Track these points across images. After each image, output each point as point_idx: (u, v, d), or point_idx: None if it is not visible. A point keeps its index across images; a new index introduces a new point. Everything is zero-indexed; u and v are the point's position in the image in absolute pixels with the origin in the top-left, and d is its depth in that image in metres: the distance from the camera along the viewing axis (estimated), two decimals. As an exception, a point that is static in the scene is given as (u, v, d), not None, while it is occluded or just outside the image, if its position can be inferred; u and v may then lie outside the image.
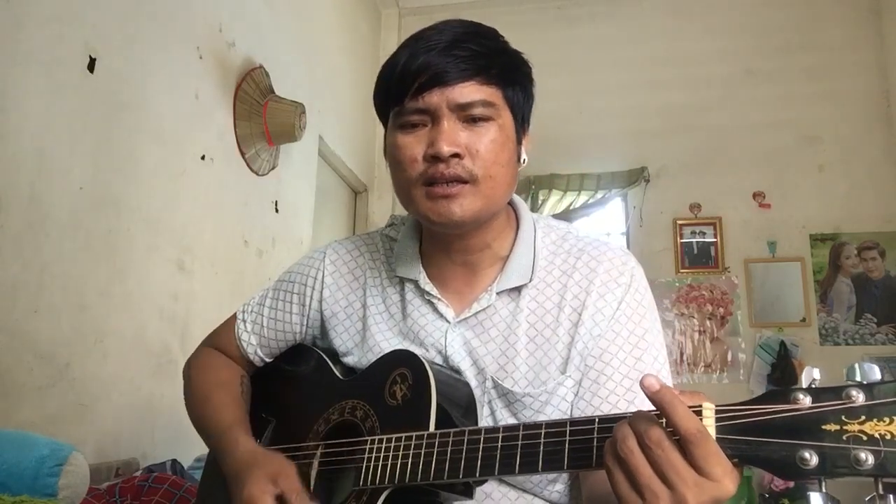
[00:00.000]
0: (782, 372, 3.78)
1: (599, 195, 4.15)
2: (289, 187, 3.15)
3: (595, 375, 0.87)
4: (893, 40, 3.99)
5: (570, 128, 4.22)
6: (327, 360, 1.02)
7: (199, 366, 1.12)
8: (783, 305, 3.93)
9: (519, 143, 0.91)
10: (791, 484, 3.50)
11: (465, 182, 0.85)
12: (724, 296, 3.99)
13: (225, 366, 1.10)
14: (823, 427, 0.54)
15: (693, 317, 3.99)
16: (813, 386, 0.57)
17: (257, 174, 2.84)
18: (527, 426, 0.71)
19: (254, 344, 1.09)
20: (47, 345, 1.73)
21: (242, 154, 2.72)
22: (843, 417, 0.54)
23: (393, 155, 0.89)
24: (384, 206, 4.26)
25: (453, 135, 0.84)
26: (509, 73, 0.88)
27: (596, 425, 0.66)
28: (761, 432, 0.57)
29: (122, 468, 1.87)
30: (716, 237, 4.05)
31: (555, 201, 4.18)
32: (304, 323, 1.06)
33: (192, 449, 2.10)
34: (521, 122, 0.92)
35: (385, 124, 0.93)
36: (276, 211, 3.05)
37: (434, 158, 0.84)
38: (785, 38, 4.13)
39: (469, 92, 0.84)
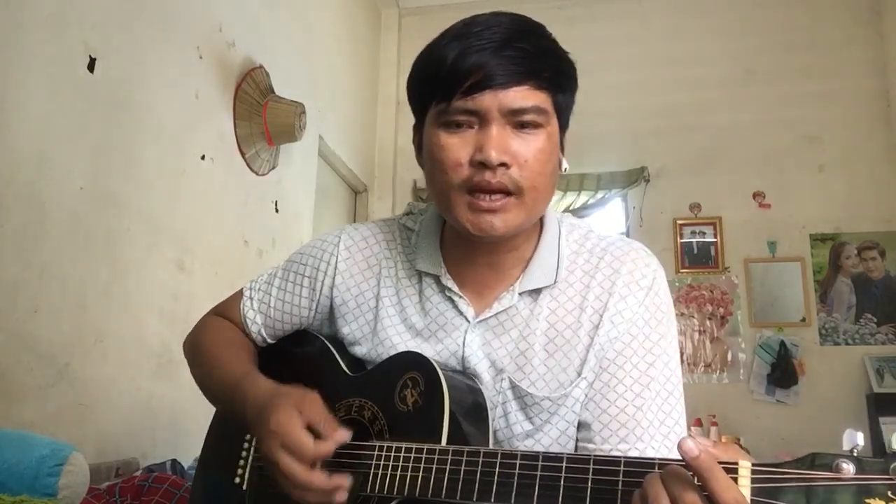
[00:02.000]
0: (782, 372, 3.78)
1: (599, 195, 4.15)
2: (289, 187, 3.15)
3: (607, 378, 0.86)
4: (893, 40, 3.98)
5: (570, 128, 4.22)
6: (334, 351, 1.00)
7: (208, 328, 1.09)
8: (783, 305, 3.93)
9: (562, 149, 0.89)
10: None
11: (509, 193, 0.82)
12: (724, 296, 3.99)
13: (234, 329, 1.08)
14: (867, 501, 0.51)
15: (693, 317, 3.99)
16: (856, 454, 0.54)
17: (257, 174, 2.84)
18: (546, 456, 0.69)
19: (258, 323, 1.06)
20: (47, 345, 1.73)
21: (242, 154, 2.72)
22: (889, 493, 0.51)
23: (434, 154, 0.85)
24: (384, 206, 4.26)
25: (503, 141, 0.80)
26: (560, 76, 0.85)
27: (622, 468, 0.64)
28: (799, 498, 0.54)
29: (122, 468, 1.87)
30: (716, 237, 4.05)
31: (555, 201, 4.17)
32: (314, 308, 1.03)
33: (192, 449, 2.09)
34: (565, 125, 0.90)
35: (418, 116, 0.90)
36: (276, 211, 3.04)
37: (481, 165, 0.80)
38: (785, 38, 4.13)
39: (522, 97, 0.80)
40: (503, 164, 0.80)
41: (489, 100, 0.80)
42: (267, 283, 1.08)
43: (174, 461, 1.88)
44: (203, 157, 2.46)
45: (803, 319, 3.89)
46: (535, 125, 0.82)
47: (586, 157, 4.22)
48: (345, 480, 0.78)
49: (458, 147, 0.82)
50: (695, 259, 4.06)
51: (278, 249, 3.02)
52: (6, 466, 1.21)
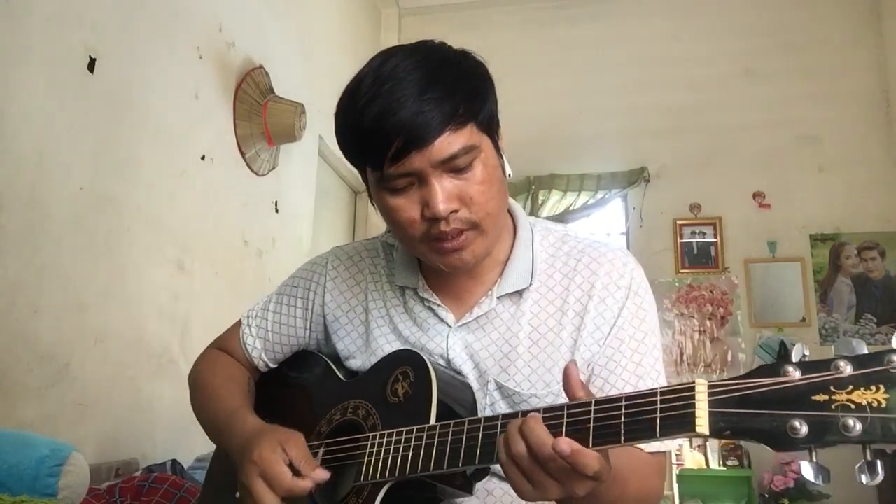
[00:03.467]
0: (782, 372, 3.78)
1: (599, 195, 4.15)
2: (289, 187, 3.15)
3: (601, 384, 0.89)
4: (893, 40, 3.99)
5: (570, 128, 4.22)
6: (330, 363, 1.03)
7: (206, 365, 1.12)
8: (783, 305, 3.93)
9: (501, 157, 0.90)
10: (791, 483, 3.50)
11: (466, 230, 0.85)
12: (724, 296, 3.99)
13: (231, 364, 1.11)
14: (813, 398, 0.56)
15: (693, 317, 3.99)
16: (803, 360, 0.58)
17: (257, 174, 2.84)
18: (525, 413, 0.72)
19: (259, 349, 1.10)
20: (47, 345, 1.73)
21: (242, 154, 2.72)
22: (831, 388, 0.55)
23: (387, 213, 0.88)
24: (384, 206, 4.26)
25: (445, 192, 0.83)
26: (474, 100, 0.85)
27: (593, 407, 0.67)
28: (752, 405, 0.58)
29: (122, 468, 1.87)
30: (716, 237, 4.05)
31: (555, 201, 4.18)
32: (309, 328, 1.07)
33: (192, 449, 2.10)
34: (496, 131, 0.90)
35: (358, 168, 0.91)
36: (276, 211, 3.04)
37: (433, 219, 0.84)
38: (785, 38, 4.14)
39: (448, 145, 0.81)
40: (453, 211, 0.83)
41: (418, 160, 0.81)
42: (263, 310, 1.11)
43: (174, 461, 1.88)
44: (203, 157, 2.46)
45: (803, 319, 3.89)
46: (469, 162, 0.84)
47: (586, 157, 4.22)
48: None
49: (406, 207, 0.85)
50: (695, 259, 4.06)
51: (278, 249, 3.02)
52: (6, 466, 1.21)
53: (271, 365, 1.11)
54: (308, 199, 3.40)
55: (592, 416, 0.67)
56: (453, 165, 0.83)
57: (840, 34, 4.09)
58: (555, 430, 0.67)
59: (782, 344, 3.84)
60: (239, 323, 1.13)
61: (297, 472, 0.81)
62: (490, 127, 0.88)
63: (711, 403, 0.60)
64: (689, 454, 3.78)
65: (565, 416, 0.68)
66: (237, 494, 1.00)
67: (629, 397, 0.65)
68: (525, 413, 0.71)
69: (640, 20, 4.37)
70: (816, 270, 3.93)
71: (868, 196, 3.91)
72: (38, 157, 1.71)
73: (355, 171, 0.94)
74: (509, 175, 0.93)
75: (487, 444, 0.73)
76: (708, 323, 3.98)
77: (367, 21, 4.36)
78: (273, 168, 2.95)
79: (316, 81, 3.43)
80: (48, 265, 1.74)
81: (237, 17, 2.69)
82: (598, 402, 0.67)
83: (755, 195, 4.04)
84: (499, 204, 0.88)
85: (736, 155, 4.08)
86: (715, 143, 4.11)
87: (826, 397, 0.55)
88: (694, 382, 0.61)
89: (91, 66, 1.89)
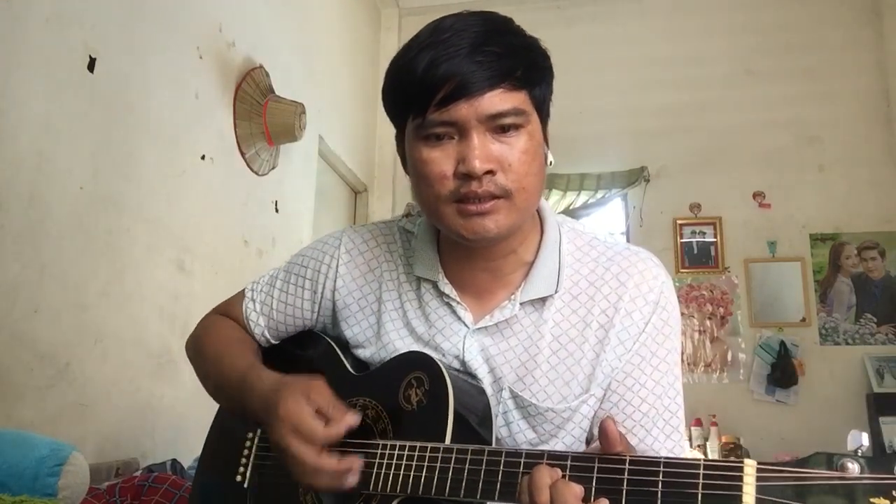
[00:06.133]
0: (782, 372, 3.78)
1: (599, 195, 4.15)
2: (289, 187, 3.15)
3: (616, 399, 0.87)
4: (893, 40, 3.98)
5: (570, 128, 4.21)
6: (338, 350, 1.00)
7: (210, 326, 1.08)
8: (783, 305, 3.93)
9: (546, 143, 0.88)
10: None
11: (498, 197, 0.81)
12: (724, 296, 3.99)
13: (236, 326, 1.07)
14: (871, 500, 0.52)
15: (693, 317, 3.99)
16: (860, 453, 0.55)
17: (257, 174, 2.84)
18: (552, 455, 0.69)
19: (262, 325, 1.05)
20: (47, 345, 1.73)
21: (242, 154, 2.72)
22: (893, 493, 0.52)
23: (418, 168, 0.84)
24: (384, 206, 4.26)
25: (485, 150, 0.79)
26: (533, 71, 0.83)
27: (627, 466, 0.64)
28: (803, 497, 0.55)
29: (122, 468, 1.87)
30: (716, 237, 4.05)
31: (555, 201, 4.17)
32: (316, 311, 1.02)
33: (192, 449, 2.09)
34: (546, 118, 0.88)
35: (398, 126, 0.89)
36: (276, 211, 3.04)
37: (466, 176, 0.79)
38: (785, 38, 4.13)
39: (498, 101, 0.79)
40: (489, 172, 0.79)
41: (465, 109, 0.78)
42: (269, 285, 1.06)
43: (174, 461, 1.88)
44: (203, 157, 2.46)
45: (803, 319, 3.89)
46: (516, 127, 0.81)
47: (586, 157, 4.22)
48: (355, 463, 0.79)
49: (440, 160, 0.81)
50: (695, 259, 4.06)
51: (278, 249, 3.02)
52: (6, 466, 1.21)
53: (273, 342, 1.07)
54: (308, 199, 3.40)
55: (626, 476, 0.63)
56: (499, 125, 0.80)
57: (840, 34, 4.08)
58: (584, 483, 0.65)
59: (782, 344, 3.84)
60: (242, 294, 1.08)
61: (326, 419, 0.79)
62: (542, 110, 0.86)
63: (759, 489, 0.56)
64: (689, 453, 3.78)
65: (595, 469, 0.65)
66: (238, 478, 0.98)
67: (668, 463, 0.62)
68: (552, 455, 0.69)
69: (640, 20, 4.36)
70: (816, 270, 3.93)
71: (868, 196, 3.91)
72: (38, 157, 1.71)
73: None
74: (551, 163, 0.89)
75: (507, 482, 0.70)
76: (708, 323, 3.98)
77: (367, 21, 4.37)
78: (273, 168, 2.95)
79: (316, 81, 3.43)
80: (48, 265, 1.74)
81: (237, 17, 2.69)
82: (632, 462, 0.64)
83: (755, 195, 4.04)
84: (535, 183, 0.84)
85: (736, 155, 4.08)
86: (715, 143, 4.11)
87: (887, 502, 0.51)
88: (742, 462, 0.58)
89: (91, 66, 1.89)
